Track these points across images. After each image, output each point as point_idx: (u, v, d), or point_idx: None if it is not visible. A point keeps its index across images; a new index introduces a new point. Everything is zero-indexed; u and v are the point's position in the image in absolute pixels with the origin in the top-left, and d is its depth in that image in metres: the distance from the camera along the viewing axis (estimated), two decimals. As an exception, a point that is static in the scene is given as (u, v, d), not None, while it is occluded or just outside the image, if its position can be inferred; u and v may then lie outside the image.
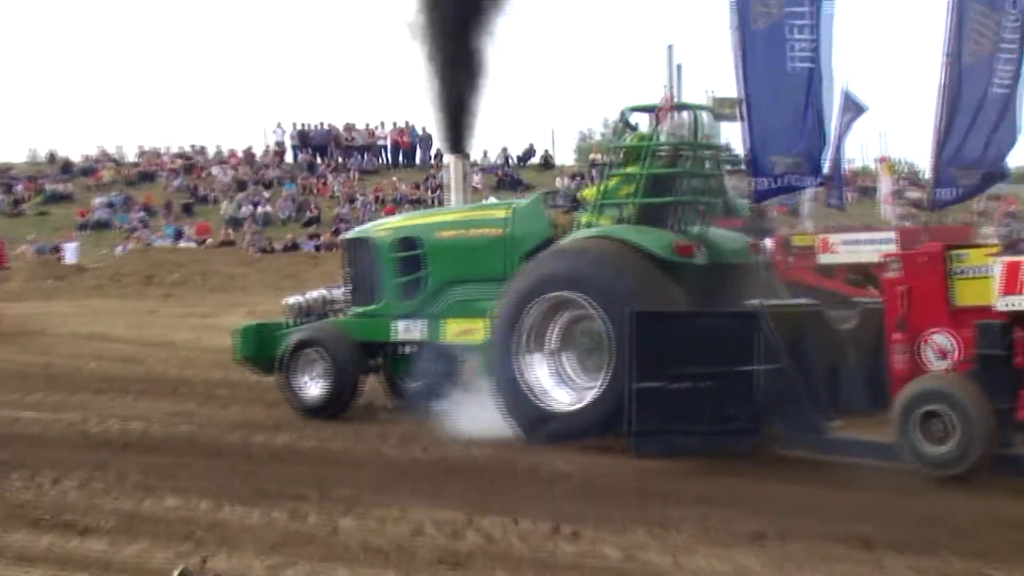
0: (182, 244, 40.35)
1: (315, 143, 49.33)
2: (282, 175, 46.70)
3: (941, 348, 9.76)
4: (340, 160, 48.18)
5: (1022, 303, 9.18)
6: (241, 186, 45.17)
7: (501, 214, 12.92)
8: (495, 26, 14.52)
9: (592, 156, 45.43)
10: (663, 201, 12.10)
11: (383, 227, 14.34)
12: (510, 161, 49.35)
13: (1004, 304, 9.29)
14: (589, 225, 12.11)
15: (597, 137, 57.94)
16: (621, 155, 12.65)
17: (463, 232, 13.04)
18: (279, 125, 50.18)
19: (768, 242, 16.92)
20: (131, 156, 50.13)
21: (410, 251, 13.34)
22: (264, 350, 13.99)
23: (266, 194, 44.54)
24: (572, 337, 11.68)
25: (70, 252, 37.53)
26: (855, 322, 11.34)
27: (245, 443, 11.31)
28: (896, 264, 10.25)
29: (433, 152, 46.91)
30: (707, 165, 12.79)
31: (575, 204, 13.01)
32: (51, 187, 45.26)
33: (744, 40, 11.98)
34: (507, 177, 45.84)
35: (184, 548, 7.32)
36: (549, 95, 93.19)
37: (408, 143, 49.74)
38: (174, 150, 50.48)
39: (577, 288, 11.30)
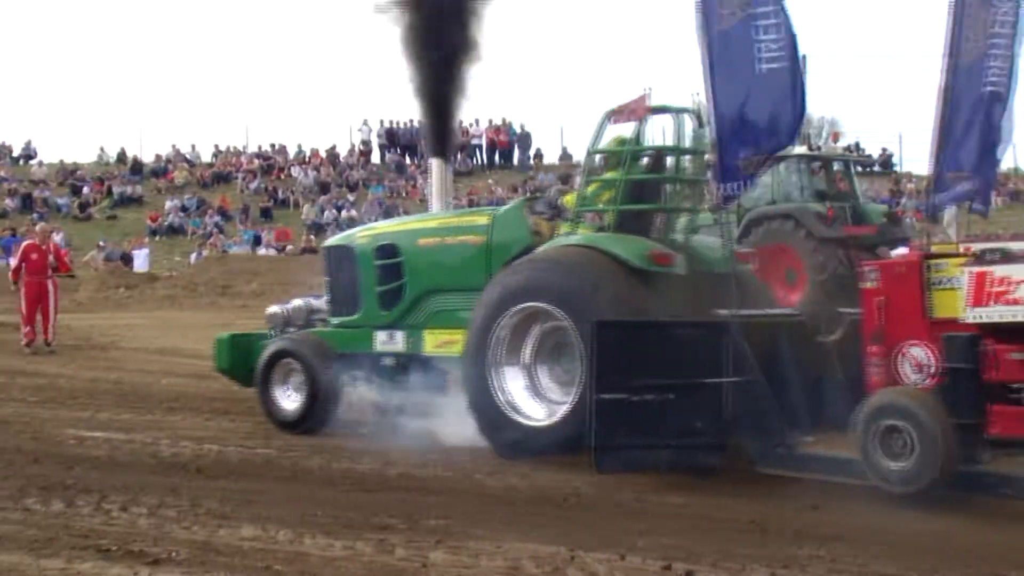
0: (260, 251, 40.78)
1: (404, 142, 49.64)
2: (368, 177, 47.09)
3: (918, 361, 10.08)
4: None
5: (990, 315, 9.44)
6: (324, 188, 45.61)
7: (482, 221, 13.34)
8: (477, 25, 15.26)
9: (708, 158, 45.07)
10: (643, 208, 12.46)
11: (363, 234, 14.83)
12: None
13: (972, 316, 9.59)
14: (569, 233, 12.47)
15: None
16: (600, 160, 13.07)
17: (443, 240, 13.55)
18: (365, 123, 50.63)
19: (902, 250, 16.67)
20: (206, 156, 50.78)
21: (390, 259, 13.88)
22: (242, 361, 14.65)
23: (351, 197, 44.95)
24: (547, 350, 12.14)
25: (140, 259, 38.22)
26: (840, 333, 11.52)
27: (327, 468, 11.40)
28: (874, 274, 10.58)
29: (532, 152, 46.95)
30: (690, 170, 12.98)
31: (557, 211, 13.34)
32: (120, 189, 45.99)
33: (710, 42, 11.90)
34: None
35: (262, 582, 7.40)
36: (671, 90, 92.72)
37: (505, 142, 49.86)
38: (252, 150, 51.08)
39: (549, 299, 11.70)
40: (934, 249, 14.60)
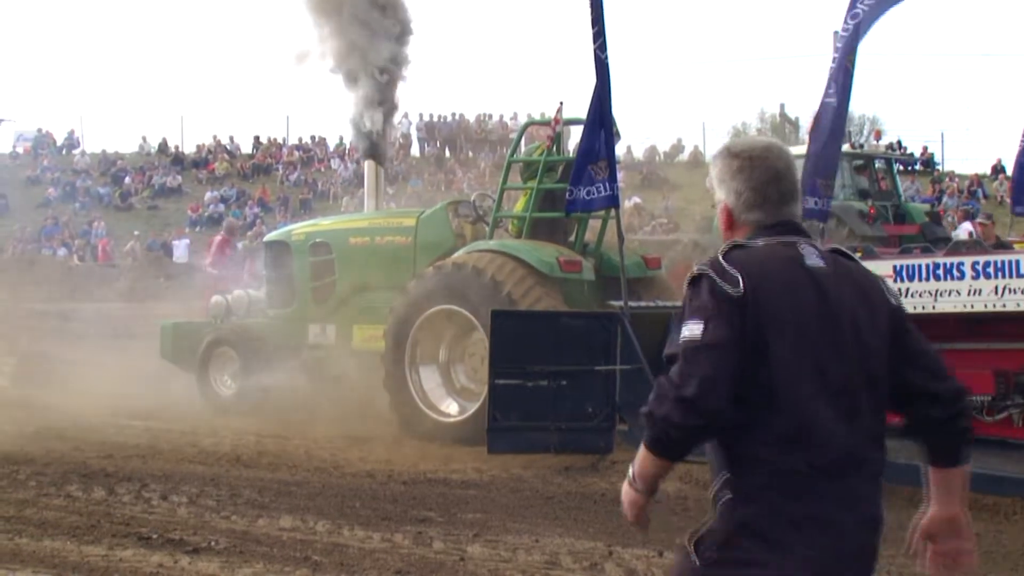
0: (299, 243, 40.80)
1: (444, 135, 49.60)
2: (407, 170, 47.05)
3: None
4: (470, 154, 48.39)
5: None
6: (363, 181, 45.66)
7: (408, 223, 13.96)
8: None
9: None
10: (555, 216, 12.87)
11: (299, 231, 15.51)
12: (657, 158, 48.97)
13: None
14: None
15: (752, 132, 57.24)
16: (510, 168, 13.78)
17: (372, 239, 14.19)
18: (405, 115, 50.41)
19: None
20: (246, 147, 50.92)
21: (323, 256, 14.57)
22: (183, 349, 15.35)
23: (390, 190, 44.91)
24: (462, 349, 12.70)
25: (180, 250, 38.35)
26: None
27: (365, 460, 11.46)
28: None
29: (571, 146, 46.78)
30: None
31: (480, 215, 13.81)
32: (160, 180, 46.21)
33: None
34: (652, 175, 45.43)
35: (300, 572, 7.44)
36: (701, 86, 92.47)
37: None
38: (292, 141, 51.21)
39: (459, 302, 12.25)
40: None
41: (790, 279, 3.44)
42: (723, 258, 3.42)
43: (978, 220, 17.03)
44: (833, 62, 13.97)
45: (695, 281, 3.42)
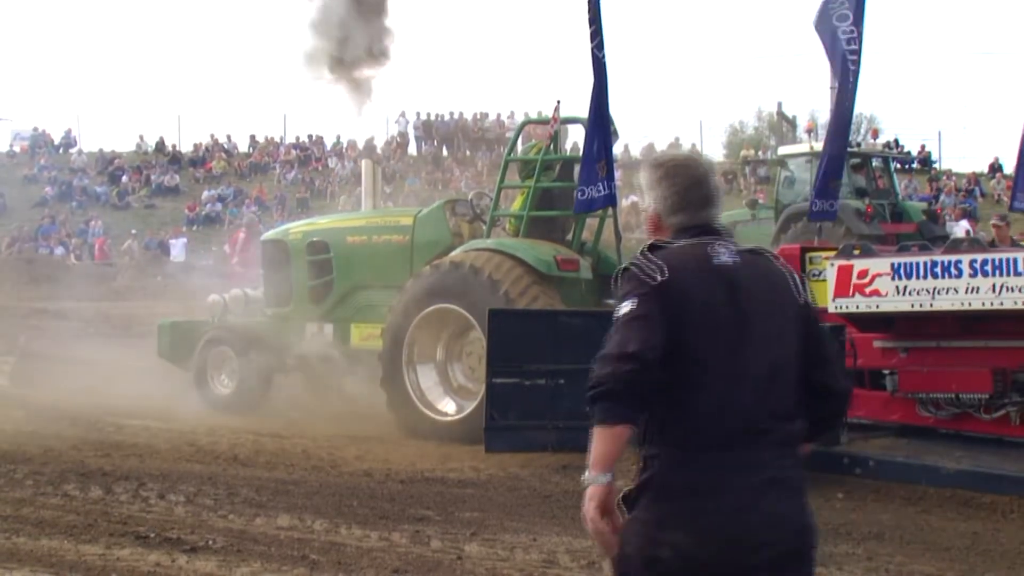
0: (297, 242, 40.79)
1: (441, 134, 49.59)
2: (405, 169, 47.04)
3: None
4: (468, 153, 48.38)
5: (850, 305, 10.08)
6: (360, 180, 45.62)
7: (405, 221, 13.96)
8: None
9: (744, 153, 44.82)
10: (553, 214, 13.00)
11: (297, 229, 15.55)
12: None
13: (835, 307, 10.22)
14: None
15: (750, 131, 57.24)
16: (510, 168, 13.73)
17: (370, 238, 14.20)
18: (403, 114, 50.51)
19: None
20: (243, 146, 50.90)
21: (321, 255, 14.58)
22: (181, 347, 15.34)
23: (387, 189, 44.93)
24: (460, 348, 12.71)
25: (178, 249, 38.33)
26: None
27: (362, 459, 11.45)
28: None
29: (569, 145, 46.78)
30: None
31: (477, 214, 13.82)
32: (158, 178, 46.19)
33: None
34: (650, 174, 45.34)
35: (298, 571, 7.44)
36: (698, 84, 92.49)
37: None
38: (289, 140, 51.18)
39: (456, 300, 12.26)
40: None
41: (702, 275, 3.88)
42: (646, 254, 3.90)
43: (992, 222, 17.00)
44: (852, 64, 14.02)
45: (625, 272, 3.92)
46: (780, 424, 3.84)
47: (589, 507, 3.82)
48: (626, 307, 3.82)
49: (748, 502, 3.74)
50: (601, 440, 3.88)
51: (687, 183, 4.02)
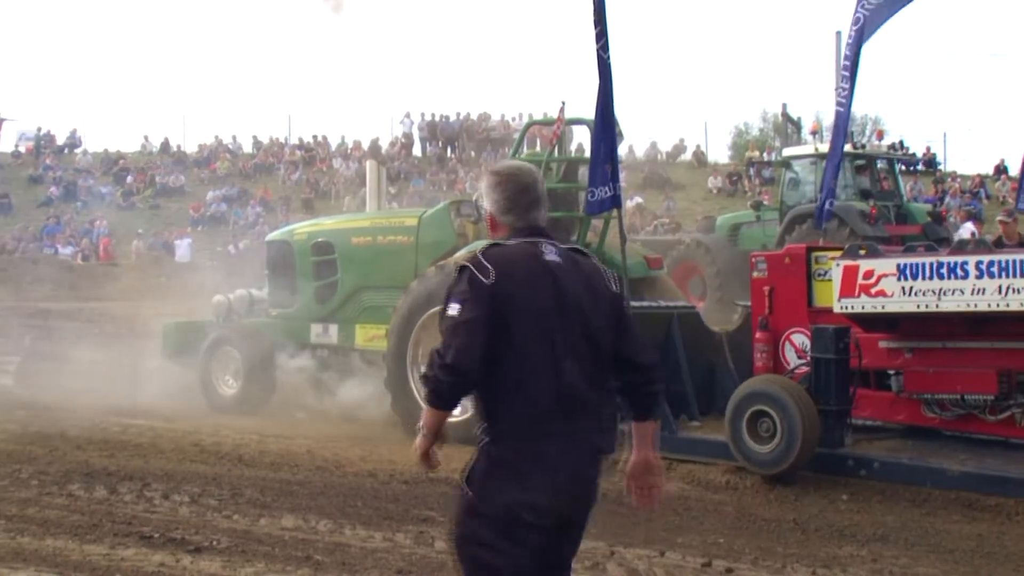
0: (301, 242, 40.74)
1: (446, 135, 49.56)
2: (409, 169, 47.04)
3: (800, 348, 10.88)
4: (473, 154, 48.35)
5: (855, 306, 10.16)
6: (365, 180, 45.58)
7: (410, 222, 13.98)
8: None
9: (749, 154, 44.76)
10: (557, 216, 12.92)
11: (302, 230, 15.55)
12: (659, 157, 48.91)
13: (840, 307, 10.29)
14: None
15: (754, 132, 57.23)
16: None
17: (375, 239, 14.20)
18: (407, 115, 50.52)
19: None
20: (247, 147, 50.93)
21: (326, 255, 14.63)
22: (186, 348, 15.39)
23: (392, 190, 44.95)
24: None
25: (182, 249, 38.36)
26: (737, 323, 12.49)
27: (367, 460, 11.44)
28: (762, 264, 11.43)
29: (574, 147, 46.72)
30: None
31: (482, 214, 13.51)
32: (163, 179, 46.22)
33: None
34: (654, 175, 45.34)
35: (302, 572, 7.44)
36: (703, 85, 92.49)
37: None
38: (293, 141, 51.21)
39: None
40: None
41: (531, 271, 4.53)
42: (481, 254, 4.50)
43: (999, 218, 16.93)
44: (845, 69, 14.08)
45: (460, 271, 4.51)
46: (593, 398, 4.52)
47: (417, 448, 4.59)
48: (454, 309, 4.46)
49: (567, 466, 4.44)
50: (430, 415, 4.54)
51: (517, 189, 4.71)
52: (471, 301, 4.41)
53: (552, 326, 4.46)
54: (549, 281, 4.51)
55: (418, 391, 12.59)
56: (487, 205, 4.80)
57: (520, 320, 4.43)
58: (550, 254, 4.59)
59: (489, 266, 4.46)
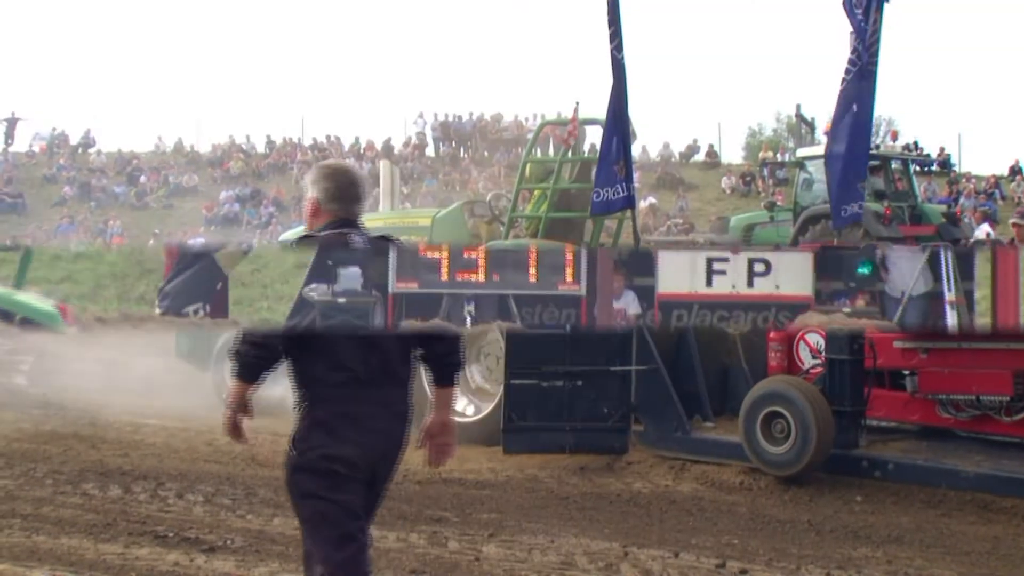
0: (315, 242, 40.77)
1: (459, 135, 49.54)
2: (422, 170, 47.04)
3: (815, 347, 10.86)
4: (486, 154, 48.31)
5: None
6: (378, 180, 45.60)
7: (423, 222, 13.97)
8: None
9: (762, 155, 44.64)
10: (572, 216, 13.05)
11: None
12: (672, 158, 48.78)
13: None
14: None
15: (768, 133, 57.09)
16: (528, 169, 13.78)
17: None
18: (420, 115, 50.49)
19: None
20: (261, 147, 50.98)
21: None
22: (199, 348, 15.34)
23: (405, 190, 44.94)
24: (477, 349, 12.68)
25: (196, 248, 38.40)
26: (749, 325, 12.36)
27: (380, 460, 11.41)
28: None
29: (587, 147, 46.67)
30: None
31: (495, 215, 13.85)
32: (176, 179, 46.30)
33: None
34: (667, 175, 45.21)
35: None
36: (716, 85, 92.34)
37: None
38: (307, 141, 51.23)
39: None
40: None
41: None
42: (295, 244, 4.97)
43: (1013, 220, 16.86)
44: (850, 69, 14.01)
45: None
46: (402, 368, 5.07)
47: (225, 419, 5.15)
48: None
49: (370, 424, 4.99)
50: (235, 387, 5.11)
51: (347, 182, 5.22)
52: None
53: None
54: None
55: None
56: (315, 192, 5.23)
57: None
58: (358, 242, 5.16)
59: None
